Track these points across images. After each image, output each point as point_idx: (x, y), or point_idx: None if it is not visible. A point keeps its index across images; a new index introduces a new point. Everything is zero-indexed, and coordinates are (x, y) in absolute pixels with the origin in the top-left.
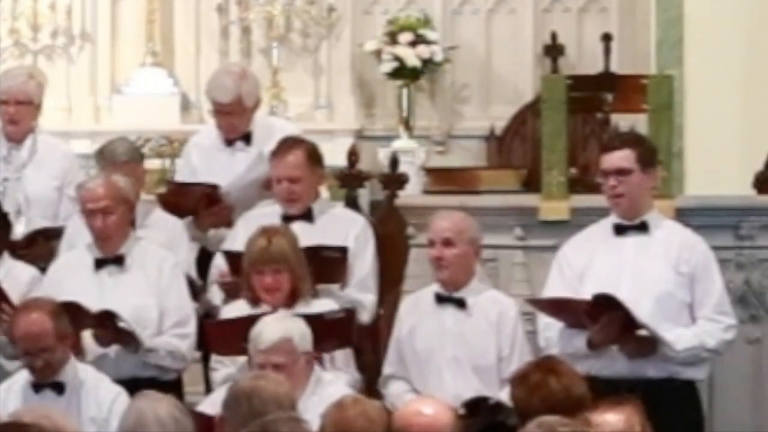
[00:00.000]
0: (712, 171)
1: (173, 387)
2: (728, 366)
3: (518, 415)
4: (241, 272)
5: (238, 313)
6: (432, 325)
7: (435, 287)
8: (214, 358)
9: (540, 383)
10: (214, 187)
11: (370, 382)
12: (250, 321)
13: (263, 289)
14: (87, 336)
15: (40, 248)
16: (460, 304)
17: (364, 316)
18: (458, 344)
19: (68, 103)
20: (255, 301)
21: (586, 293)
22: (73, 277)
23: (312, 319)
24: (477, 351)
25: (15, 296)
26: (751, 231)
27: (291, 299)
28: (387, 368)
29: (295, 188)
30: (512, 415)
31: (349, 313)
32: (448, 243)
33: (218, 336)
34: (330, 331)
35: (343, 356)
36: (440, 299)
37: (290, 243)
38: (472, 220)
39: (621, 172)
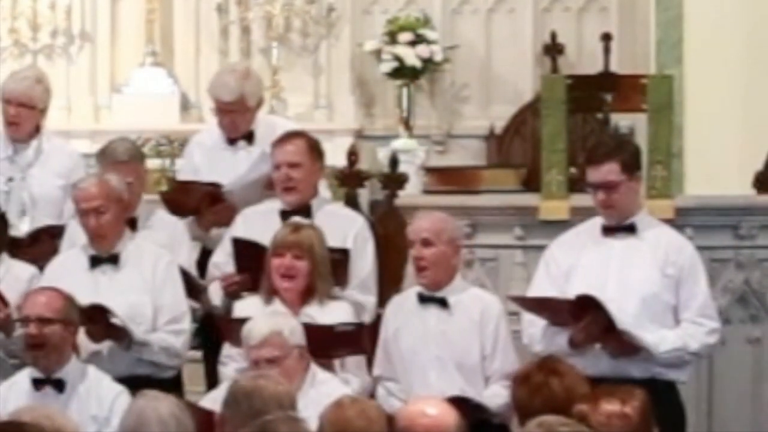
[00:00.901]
0: (712, 171)
1: (173, 385)
2: (728, 366)
3: (519, 416)
4: (247, 262)
5: (251, 310)
6: (416, 326)
7: (418, 288)
8: (225, 353)
9: (542, 384)
10: (217, 187)
11: None
12: None
13: (279, 274)
14: (80, 332)
15: (44, 246)
16: (443, 303)
17: (365, 318)
18: (442, 344)
19: (68, 102)
20: (271, 293)
21: (572, 292)
22: (68, 276)
23: (322, 331)
24: (460, 350)
25: (15, 294)
26: (750, 231)
27: (306, 295)
28: (376, 369)
29: (294, 174)
30: (492, 415)
31: (359, 327)
32: (426, 243)
33: (230, 330)
34: (340, 342)
35: (355, 360)
36: (423, 299)
37: (318, 238)
38: (452, 220)
39: (608, 186)
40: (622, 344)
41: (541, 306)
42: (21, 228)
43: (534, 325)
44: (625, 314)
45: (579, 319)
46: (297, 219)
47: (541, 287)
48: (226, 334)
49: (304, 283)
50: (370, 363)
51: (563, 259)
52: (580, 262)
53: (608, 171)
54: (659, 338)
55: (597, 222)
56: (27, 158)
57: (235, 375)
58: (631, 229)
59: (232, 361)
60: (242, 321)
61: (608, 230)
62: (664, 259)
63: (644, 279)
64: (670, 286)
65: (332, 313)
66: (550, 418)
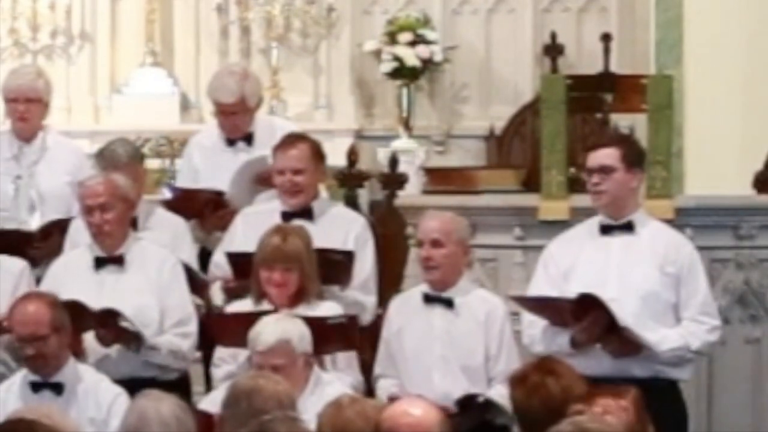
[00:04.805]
0: (712, 171)
1: (179, 386)
2: (728, 366)
3: (517, 416)
4: (245, 273)
5: (241, 310)
6: (420, 325)
7: (423, 287)
8: (217, 355)
9: (539, 385)
10: (219, 194)
11: (368, 382)
12: (255, 317)
13: (271, 285)
14: (89, 336)
15: (55, 241)
16: (448, 303)
17: (365, 318)
18: (446, 344)
19: (68, 103)
20: (260, 296)
21: (571, 292)
22: (73, 277)
23: (314, 322)
24: (465, 350)
25: (9, 287)
26: (750, 231)
27: (296, 298)
28: (377, 368)
29: (298, 180)
30: (501, 414)
31: (352, 319)
32: (436, 243)
33: (222, 327)
34: (332, 335)
35: (346, 358)
36: (428, 299)
37: (305, 243)
38: (461, 220)
39: (604, 170)
40: (624, 344)
41: (542, 306)
42: (31, 224)
43: (534, 325)
44: (625, 313)
45: (580, 318)
46: (294, 223)
47: (539, 287)
48: (218, 332)
49: (294, 289)
50: (362, 362)
51: (562, 260)
52: (579, 261)
53: (606, 155)
54: (660, 337)
55: (595, 221)
56: (32, 156)
57: (224, 376)
58: (628, 228)
59: (224, 364)
60: (235, 316)
61: (606, 229)
62: (664, 258)
63: (644, 277)
64: (670, 284)
65: (321, 312)
66: (581, 418)
